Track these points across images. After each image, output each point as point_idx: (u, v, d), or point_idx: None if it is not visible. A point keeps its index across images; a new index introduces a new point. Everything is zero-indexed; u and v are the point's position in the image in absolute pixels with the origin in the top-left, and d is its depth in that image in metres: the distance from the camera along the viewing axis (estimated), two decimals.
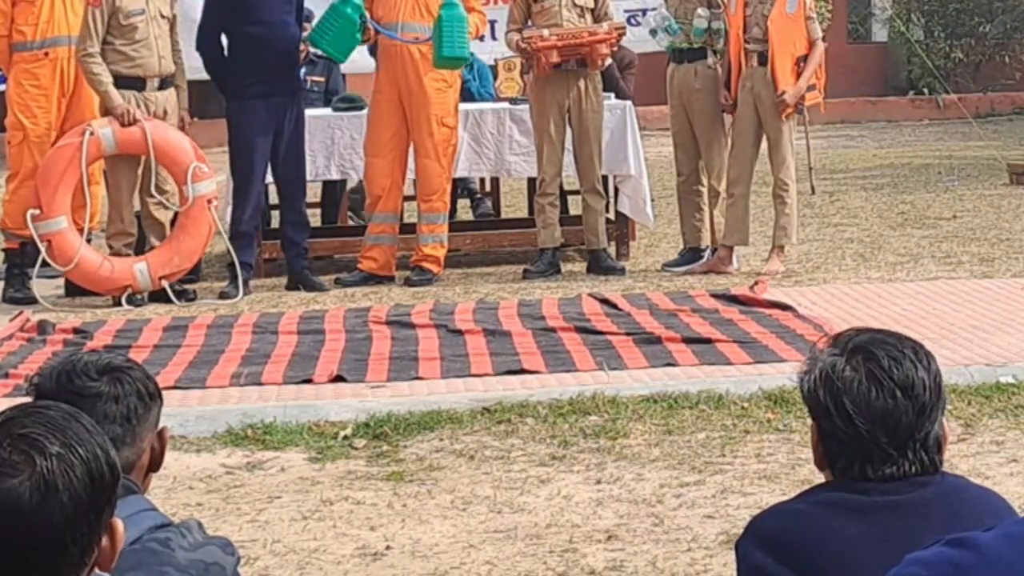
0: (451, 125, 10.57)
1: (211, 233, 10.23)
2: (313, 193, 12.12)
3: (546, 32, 10.55)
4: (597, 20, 10.78)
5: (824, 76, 10.79)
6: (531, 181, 10.77)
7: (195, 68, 10.67)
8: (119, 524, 2.09)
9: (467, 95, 11.79)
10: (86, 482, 2.03)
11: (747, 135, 10.55)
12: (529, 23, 10.75)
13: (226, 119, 10.53)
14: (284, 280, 10.61)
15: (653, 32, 10.97)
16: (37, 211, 9.89)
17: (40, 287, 10.42)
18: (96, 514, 2.05)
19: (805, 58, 10.47)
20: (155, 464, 3.09)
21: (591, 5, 10.76)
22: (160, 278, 10.00)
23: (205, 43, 10.44)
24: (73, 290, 10.37)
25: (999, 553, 2.14)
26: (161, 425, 3.11)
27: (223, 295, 10.23)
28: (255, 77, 10.19)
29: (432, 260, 10.63)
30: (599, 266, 10.75)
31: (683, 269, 10.70)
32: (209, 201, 10.09)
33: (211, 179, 10.18)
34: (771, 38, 10.40)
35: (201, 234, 10.14)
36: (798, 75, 10.42)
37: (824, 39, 10.73)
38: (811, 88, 10.55)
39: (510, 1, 10.92)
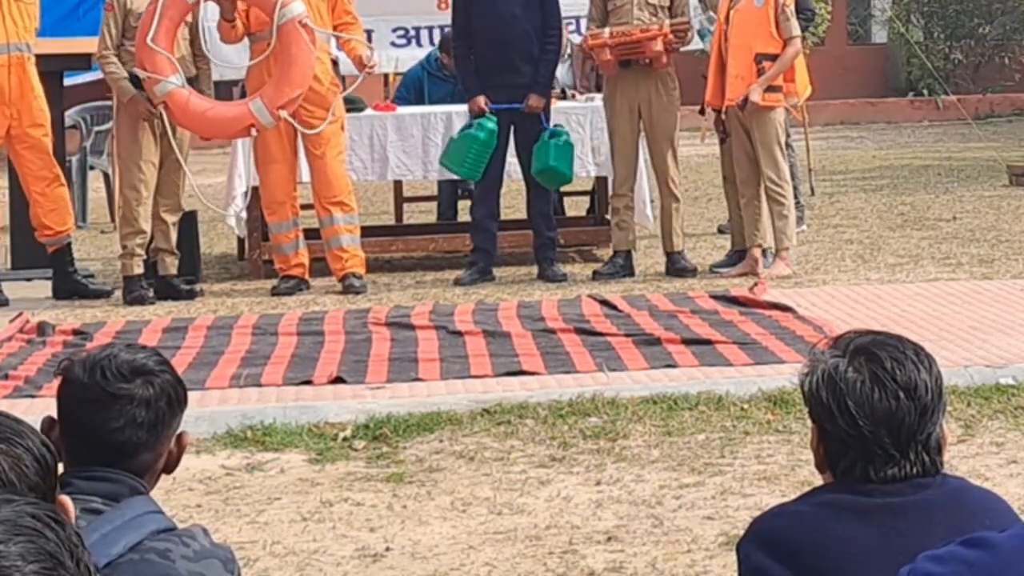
0: (343, 125, 10.53)
1: (311, 53, 10.00)
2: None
3: (607, 31, 10.47)
4: (674, 18, 10.59)
5: (793, 80, 10.43)
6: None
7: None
8: (67, 501, 2.13)
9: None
10: (35, 467, 2.09)
11: (744, 134, 10.47)
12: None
13: None
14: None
15: (701, 34, 10.88)
16: (146, 75, 9.83)
17: (36, 289, 10.43)
18: (52, 497, 2.10)
19: (774, 57, 10.23)
20: (170, 467, 3.06)
21: (666, 3, 10.59)
22: (278, 108, 9.94)
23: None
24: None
25: (1013, 553, 2.14)
26: (181, 429, 3.06)
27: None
28: None
29: (361, 262, 10.49)
30: (674, 268, 10.64)
31: (732, 271, 10.60)
32: (302, 23, 9.94)
33: (299, 1, 9.97)
34: (730, 31, 10.26)
35: (302, 54, 9.96)
36: (759, 73, 10.22)
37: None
38: (774, 89, 10.29)
39: (590, 2, 10.83)
